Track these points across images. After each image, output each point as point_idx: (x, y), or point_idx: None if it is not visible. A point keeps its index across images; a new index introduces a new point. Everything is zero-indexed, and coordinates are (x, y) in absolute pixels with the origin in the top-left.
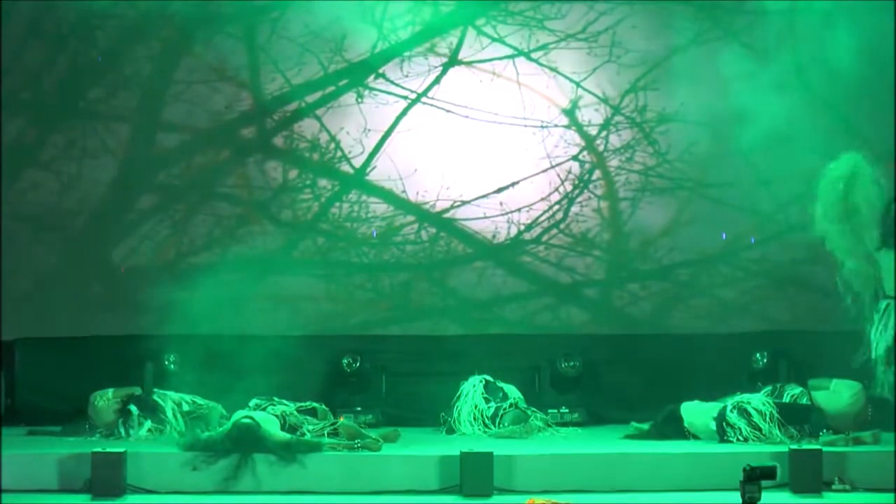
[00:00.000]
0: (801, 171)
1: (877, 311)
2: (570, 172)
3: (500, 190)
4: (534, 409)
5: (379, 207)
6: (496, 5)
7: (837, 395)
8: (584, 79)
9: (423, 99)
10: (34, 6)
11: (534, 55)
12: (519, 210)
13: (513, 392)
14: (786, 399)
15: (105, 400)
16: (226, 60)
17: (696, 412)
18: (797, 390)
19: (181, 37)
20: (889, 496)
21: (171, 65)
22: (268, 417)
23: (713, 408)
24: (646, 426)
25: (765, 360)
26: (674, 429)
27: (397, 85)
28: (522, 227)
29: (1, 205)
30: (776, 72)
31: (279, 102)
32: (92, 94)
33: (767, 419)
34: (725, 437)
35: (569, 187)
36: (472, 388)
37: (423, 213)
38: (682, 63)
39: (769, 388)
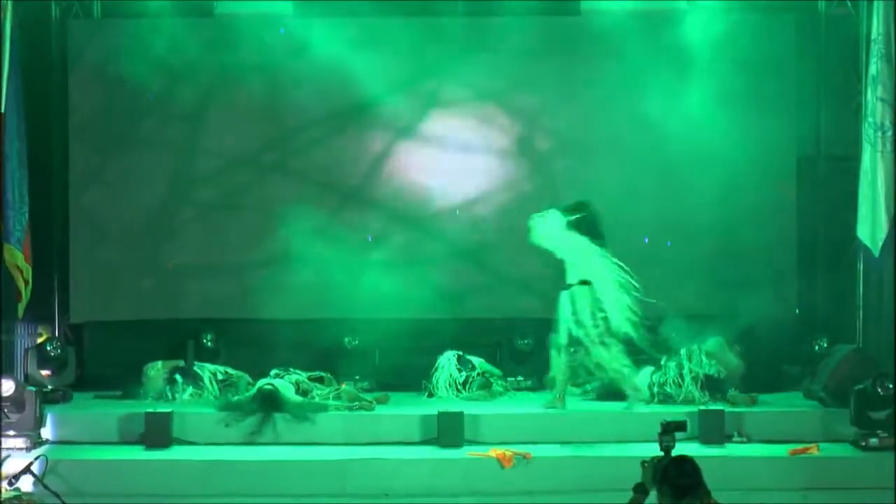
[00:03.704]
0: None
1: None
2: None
3: (469, 205)
4: (496, 378)
5: (374, 217)
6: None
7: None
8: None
9: (409, 134)
10: (99, 56)
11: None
12: (485, 221)
13: (479, 364)
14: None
15: (156, 370)
16: (252, 101)
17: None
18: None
19: (217, 82)
20: (780, 448)
21: (209, 104)
22: (285, 384)
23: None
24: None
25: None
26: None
27: (389, 123)
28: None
29: (69, 214)
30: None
31: (295, 133)
32: (145, 126)
33: (690, 378)
34: (651, 387)
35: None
36: (447, 361)
37: (408, 222)
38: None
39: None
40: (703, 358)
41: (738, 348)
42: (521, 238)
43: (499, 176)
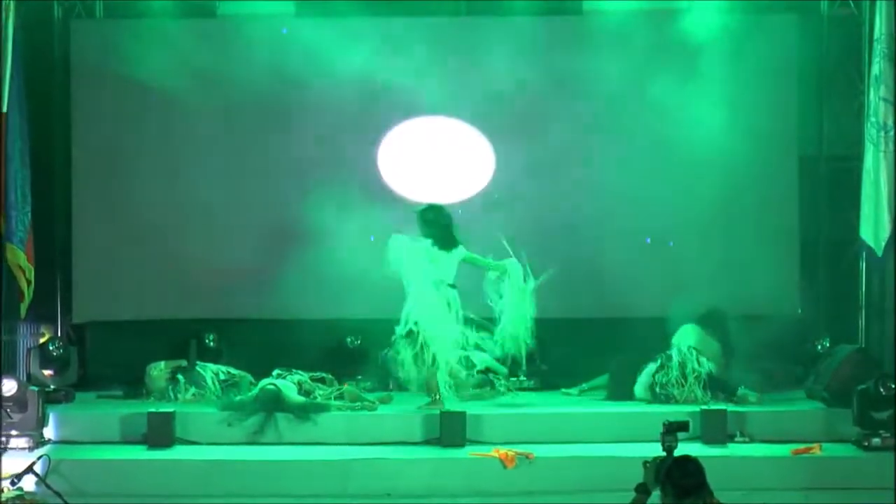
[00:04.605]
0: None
1: None
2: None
3: (471, 204)
4: (499, 377)
5: (376, 217)
6: None
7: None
8: None
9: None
10: (101, 56)
11: None
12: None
13: (482, 362)
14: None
15: (158, 370)
16: (255, 101)
17: (646, 372)
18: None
19: (220, 82)
20: (783, 447)
21: (211, 104)
22: (287, 384)
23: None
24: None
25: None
26: (624, 387)
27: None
28: None
29: (71, 214)
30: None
31: (297, 133)
32: (147, 126)
33: (693, 377)
34: (654, 387)
35: None
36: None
37: (411, 221)
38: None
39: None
40: (695, 357)
41: (712, 330)
42: None
43: (500, 175)
